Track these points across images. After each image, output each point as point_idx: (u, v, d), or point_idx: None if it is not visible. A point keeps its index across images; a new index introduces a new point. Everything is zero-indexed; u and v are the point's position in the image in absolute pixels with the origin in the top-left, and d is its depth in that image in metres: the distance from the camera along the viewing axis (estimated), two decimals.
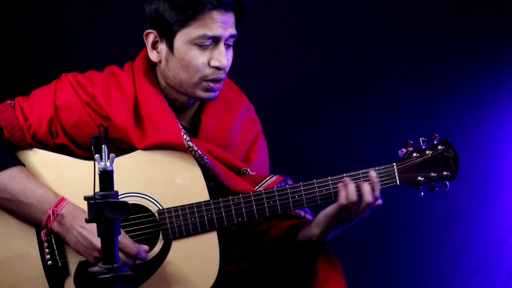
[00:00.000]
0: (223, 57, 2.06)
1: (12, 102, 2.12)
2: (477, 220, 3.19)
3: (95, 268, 1.62)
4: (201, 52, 2.06)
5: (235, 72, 2.33)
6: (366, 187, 2.04)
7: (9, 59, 2.90)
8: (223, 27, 2.05)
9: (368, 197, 2.03)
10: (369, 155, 2.15)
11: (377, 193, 2.05)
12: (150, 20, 2.11)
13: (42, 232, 2.00)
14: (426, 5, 3.10)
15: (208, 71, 2.07)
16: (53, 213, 1.96)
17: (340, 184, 2.05)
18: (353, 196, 2.03)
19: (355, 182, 2.05)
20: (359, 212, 2.05)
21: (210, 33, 2.04)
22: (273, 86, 3.09)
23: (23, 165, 2.04)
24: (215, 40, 2.06)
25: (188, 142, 2.07)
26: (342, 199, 2.03)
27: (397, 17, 3.11)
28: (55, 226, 1.98)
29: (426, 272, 3.19)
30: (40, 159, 2.07)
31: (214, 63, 2.06)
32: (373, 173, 2.07)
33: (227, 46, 2.11)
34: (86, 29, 2.94)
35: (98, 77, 2.15)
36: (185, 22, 2.04)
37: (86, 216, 1.89)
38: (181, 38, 2.06)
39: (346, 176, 2.08)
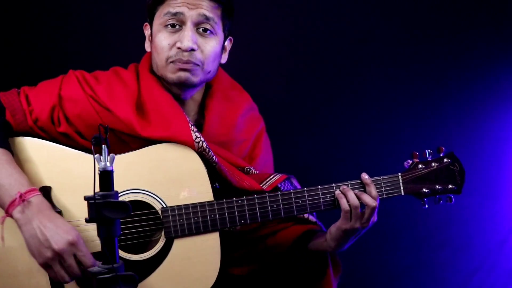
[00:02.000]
0: (186, 38, 2.06)
1: (19, 90, 2.12)
2: (477, 220, 3.18)
3: (95, 268, 1.61)
4: (169, 34, 2.09)
5: (238, 72, 2.32)
6: (362, 193, 2.07)
7: (14, 58, 2.89)
8: (189, 7, 2.07)
9: (367, 199, 2.04)
10: (375, 163, 2.16)
11: (374, 192, 2.06)
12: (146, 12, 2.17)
13: (1, 216, 1.93)
14: (429, 6, 3.10)
15: (172, 52, 2.08)
16: (20, 197, 1.90)
17: (337, 193, 2.07)
18: (355, 201, 2.04)
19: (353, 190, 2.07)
20: (366, 216, 2.04)
21: (172, 10, 2.07)
22: (279, 88, 3.08)
23: (10, 150, 2.00)
24: (181, 20, 2.07)
25: (196, 133, 2.06)
26: (344, 205, 2.05)
27: (398, 20, 3.10)
28: (16, 212, 1.90)
29: (426, 272, 3.19)
30: (48, 152, 2.04)
31: (177, 44, 2.07)
32: (364, 175, 2.08)
33: (203, 32, 2.09)
34: (92, 30, 2.93)
35: (103, 76, 2.16)
36: (156, 5, 2.11)
37: (53, 212, 1.90)
38: (156, 22, 2.12)
39: (335, 186, 2.09)
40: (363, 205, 2.05)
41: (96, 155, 1.63)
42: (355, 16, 3.10)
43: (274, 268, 2.22)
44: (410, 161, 2.13)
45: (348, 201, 2.04)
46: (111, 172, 1.63)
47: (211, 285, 2.02)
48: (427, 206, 2.13)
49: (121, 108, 2.07)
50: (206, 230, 2.03)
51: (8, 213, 1.92)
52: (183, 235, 2.02)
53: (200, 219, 2.03)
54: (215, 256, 2.03)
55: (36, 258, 1.91)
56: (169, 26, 2.08)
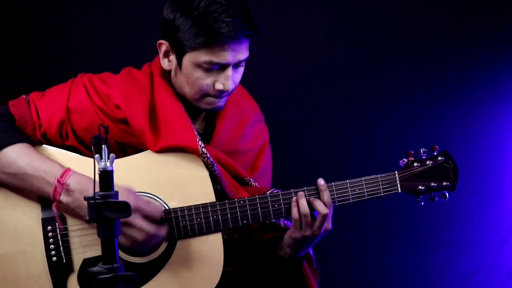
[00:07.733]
0: (228, 81, 2.01)
1: (27, 98, 2.07)
2: (477, 220, 3.17)
3: (95, 268, 1.58)
4: (207, 74, 2.01)
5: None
6: (315, 199, 2.03)
7: (22, 57, 2.88)
8: (233, 55, 1.99)
9: (319, 206, 2.01)
10: (371, 163, 2.16)
11: (326, 199, 2.02)
12: (164, 29, 2.04)
13: (53, 205, 1.93)
14: (429, 6, 3.08)
15: (211, 92, 2.04)
16: (58, 182, 1.90)
17: (292, 200, 2.03)
18: (305, 209, 2.00)
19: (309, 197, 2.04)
20: (317, 224, 2.01)
21: (216, 60, 1.98)
22: (279, 96, 3.07)
23: (32, 144, 2.00)
24: (222, 65, 2.01)
25: (203, 149, 2.03)
26: (295, 214, 2.01)
27: (397, 19, 3.10)
28: (63, 197, 1.91)
29: (426, 272, 3.18)
30: (50, 156, 2.02)
31: (218, 86, 2.02)
32: (320, 180, 2.05)
33: (237, 65, 2.05)
34: (101, 30, 2.93)
35: (115, 79, 2.11)
36: (195, 47, 1.98)
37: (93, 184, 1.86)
38: (189, 58, 2.01)
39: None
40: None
41: (96, 155, 1.60)
42: (353, 16, 3.09)
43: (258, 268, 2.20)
44: (406, 160, 2.13)
45: (299, 209, 2.01)
46: (111, 172, 1.60)
47: (215, 285, 2.00)
48: (422, 203, 2.12)
49: (137, 118, 2.03)
50: (209, 231, 2.01)
51: (57, 200, 1.92)
52: (186, 236, 2.00)
53: (203, 220, 2.00)
54: (218, 256, 2.01)
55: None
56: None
